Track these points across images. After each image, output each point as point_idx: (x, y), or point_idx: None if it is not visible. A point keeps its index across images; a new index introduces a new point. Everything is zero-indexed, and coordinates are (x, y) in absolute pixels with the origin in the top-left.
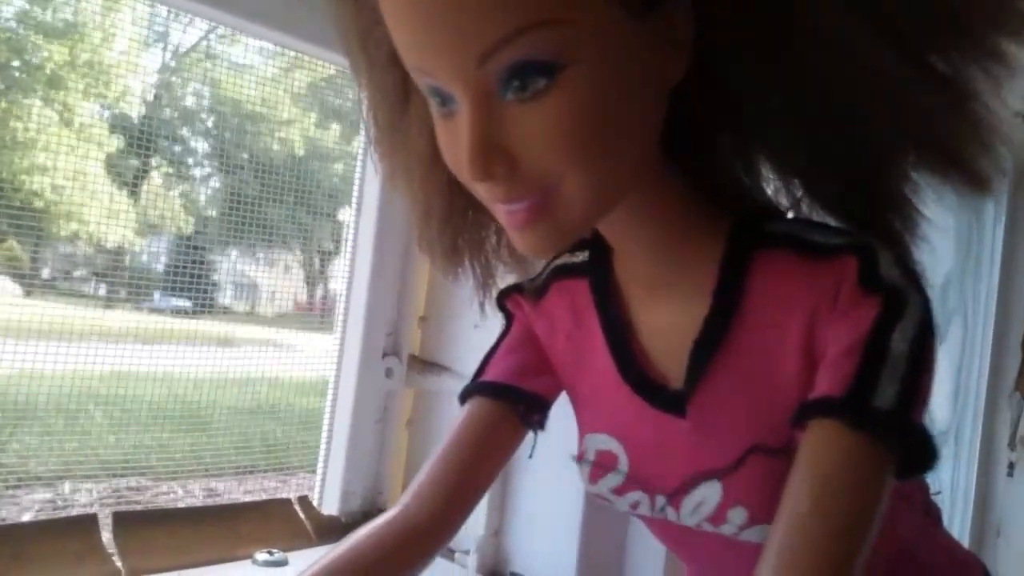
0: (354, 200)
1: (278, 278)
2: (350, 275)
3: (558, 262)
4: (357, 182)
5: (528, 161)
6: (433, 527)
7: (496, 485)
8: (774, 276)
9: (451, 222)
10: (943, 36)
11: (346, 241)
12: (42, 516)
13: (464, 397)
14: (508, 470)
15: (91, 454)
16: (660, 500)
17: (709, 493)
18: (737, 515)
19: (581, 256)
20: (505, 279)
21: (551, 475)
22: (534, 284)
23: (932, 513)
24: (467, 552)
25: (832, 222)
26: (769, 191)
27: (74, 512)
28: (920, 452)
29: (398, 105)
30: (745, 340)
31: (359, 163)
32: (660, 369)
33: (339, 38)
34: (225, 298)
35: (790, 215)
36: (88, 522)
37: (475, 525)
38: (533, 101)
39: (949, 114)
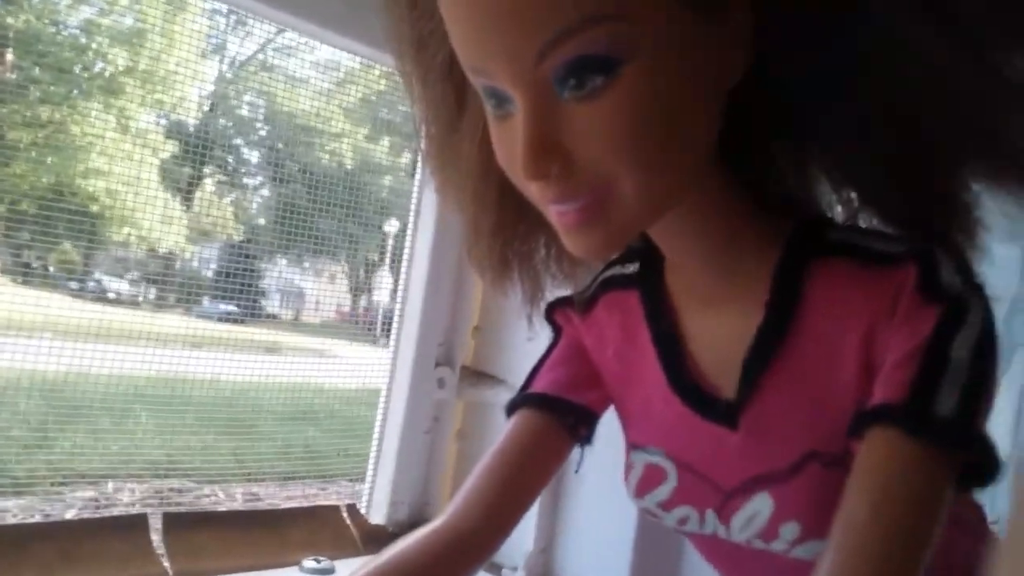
0: (412, 209)
1: (323, 288)
2: (405, 284)
3: (607, 274)
4: (415, 192)
5: (583, 159)
6: (477, 539)
7: (546, 500)
8: (832, 285)
9: (501, 234)
10: (1011, 36)
11: (398, 252)
12: (92, 515)
13: (511, 409)
14: (559, 485)
15: (136, 454)
16: (709, 515)
17: (761, 507)
18: (789, 530)
19: (632, 267)
20: (554, 292)
21: (603, 491)
22: (583, 296)
23: (987, 541)
24: (515, 568)
25: (889, 230)
26: (823, 201)
27: (117, 511)
28: (982, 462)
29: (451, 118)
30: (801, 351)
31: (418, 173)
32: (712, 380)
33: (394, 49)
34: (272, 306)
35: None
36: (137, 522)
37: (524, 541)
38: (590, 99)
39: (1015, 120)
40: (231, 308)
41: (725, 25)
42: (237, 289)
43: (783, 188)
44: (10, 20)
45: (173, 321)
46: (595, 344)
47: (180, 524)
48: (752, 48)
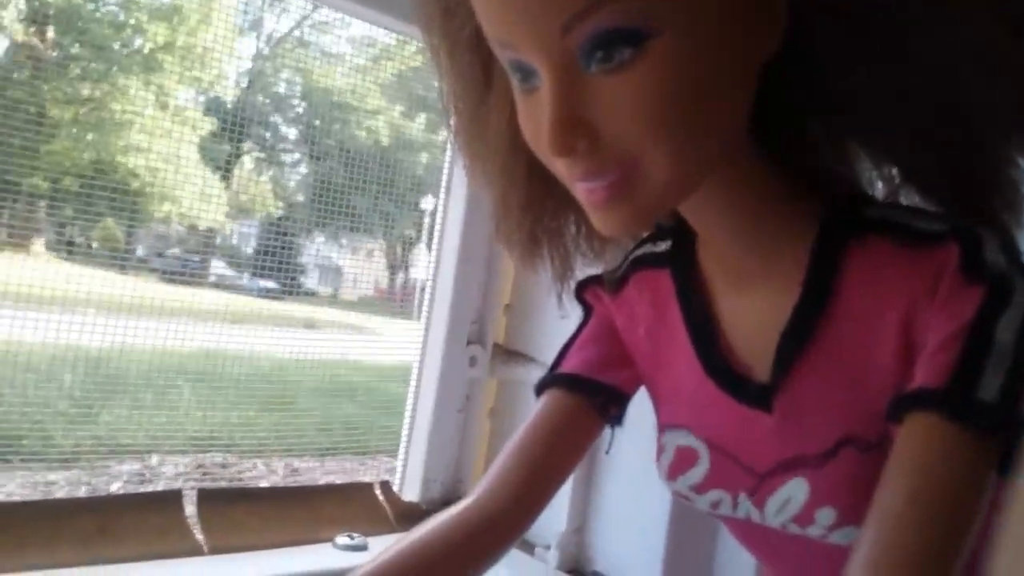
0: (443, 187)
1: (361, 264)
2: (437, 262)
3: (638, 252)
4: (446, 169)
5: (610, 135)
6: (506, 520)
7: (580, 481)
8: (870, 265)
9: (530, 211)
10: None
11: (431, 228)
12: (128, 490)
13: (540, 389)
14: (593, 466)
15: (178, 429)
16: (742, 499)
17: (796, 492)
18: (825, 516)
19: (663, 246)
20: (584, 271)
21: (638, 472)
22: (613, 275)
23: None
24: (548, 547)
25: (931, 208)
26: (864, 178)
27: (160, 485)
28: None
29: (478, 92)
30: (837, 332)
31: (448, 149)
32: (745, 362)
33: (421, 20)
34: (310, 281)
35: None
36: (172, 498)
37: (557, 520)
38: (617, 72)
39: None
40: (271, 284)
41: None
42: (277, 265)
43: (820, 164)
44: None
45: (214, 296)
46: (626, 323)
47: (215, 500)
48: (786, 19)
